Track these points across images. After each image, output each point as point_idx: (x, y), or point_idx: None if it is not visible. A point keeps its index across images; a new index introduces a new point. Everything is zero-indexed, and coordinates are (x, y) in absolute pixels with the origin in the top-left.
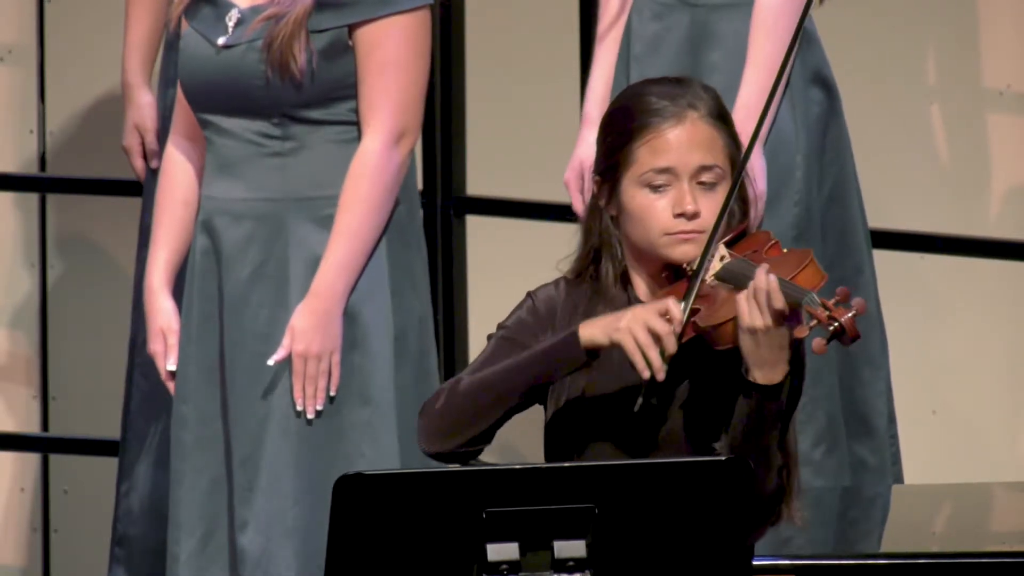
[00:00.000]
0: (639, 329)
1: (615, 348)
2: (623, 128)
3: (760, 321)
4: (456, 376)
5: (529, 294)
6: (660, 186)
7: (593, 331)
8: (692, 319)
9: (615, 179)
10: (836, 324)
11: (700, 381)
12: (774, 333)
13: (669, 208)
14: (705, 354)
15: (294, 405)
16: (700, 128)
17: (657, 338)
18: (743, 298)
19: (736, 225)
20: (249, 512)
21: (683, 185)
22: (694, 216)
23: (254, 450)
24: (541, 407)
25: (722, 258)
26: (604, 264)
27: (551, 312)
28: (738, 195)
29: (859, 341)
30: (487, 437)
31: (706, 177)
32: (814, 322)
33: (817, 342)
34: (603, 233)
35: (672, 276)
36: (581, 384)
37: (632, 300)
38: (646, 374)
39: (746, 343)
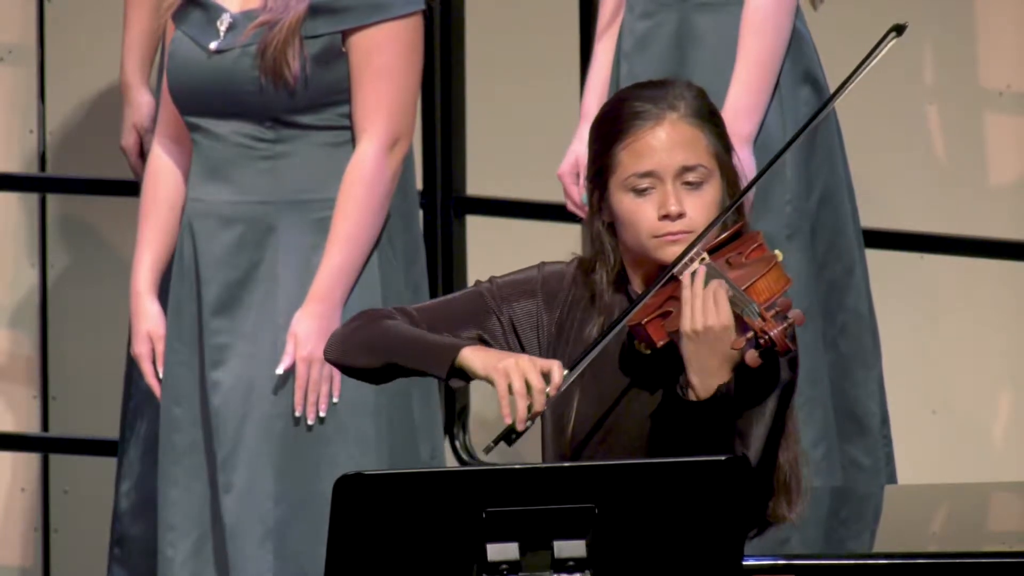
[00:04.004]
0: (516, 377)
1: (486, 382)
2: (606, 134)
3: (698, 324)
4: (396, 309)
5: (539, 264)
6: (644, 189)
7: (473, 359)
8: (662, 321)
9: (604, 184)
10: (765, 337)
11: (670, 391)
12: (714, 340)
13: (654, 211)
14: (677, 363)
15: (286, 408)
16: (680, 129)
17: (530, 391)
18: (686, 301)
19: (731, 226)
20: (229, 513)
21: (667, 187)
22: (679, 217)
23: (234, 451)
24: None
25: (702, 261)
26: (598, 271)
27: (553, 288)
28: (731, 195)
29: (852, 341)
30: (361, 375)
31: (690, 177)
32: (751, 333)
33: (750, 355)
34: (595, 240)
35: (665, 271)
36: (575, 401)
37: (633, 300)
38: (508, 420)
39: (686, 347)
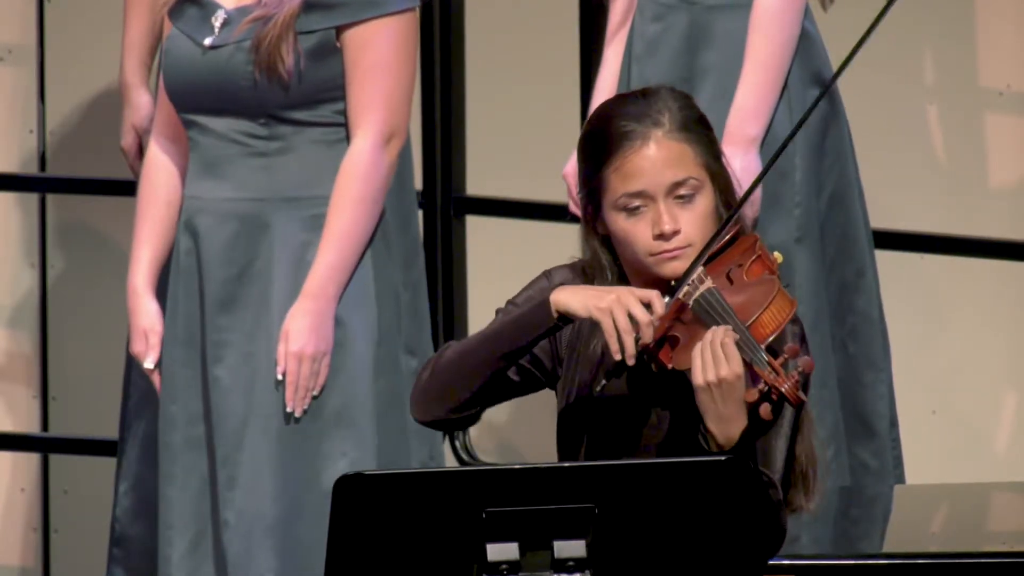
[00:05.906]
0: (620, 313)
1: (589, 321)
2: (594, 155)
3: (711, 376)
4: (446, 344)
5: (545, 273)
6: (637, 208)
7: (570, 300)
8: (671, 349)
9: (596, 203)
10: (777, 392)
11: (683, 414)
12: (728, 390)
13: (648, 229)
14: (688, 383)
15: (283, 405)
16: (666, 146)
17: (636, 325)
18: (696, 353)
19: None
20: (230, 510)
21: (659, 205)
22: (673, 234)
23: (235, 448)
24: (546, 400)
25: (701, 281)
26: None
27: None
28: (724, 202)
29: (861, 344)
30: (472, 405)
31: (681, 191)
32: (763, 385)
33: (764, 409)
34: (593, 257)
35: (668, 289)
36: (586, 381)
37: None
38: (618, 357)
39: (701, 399)
